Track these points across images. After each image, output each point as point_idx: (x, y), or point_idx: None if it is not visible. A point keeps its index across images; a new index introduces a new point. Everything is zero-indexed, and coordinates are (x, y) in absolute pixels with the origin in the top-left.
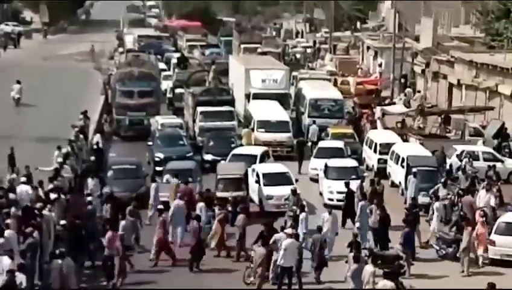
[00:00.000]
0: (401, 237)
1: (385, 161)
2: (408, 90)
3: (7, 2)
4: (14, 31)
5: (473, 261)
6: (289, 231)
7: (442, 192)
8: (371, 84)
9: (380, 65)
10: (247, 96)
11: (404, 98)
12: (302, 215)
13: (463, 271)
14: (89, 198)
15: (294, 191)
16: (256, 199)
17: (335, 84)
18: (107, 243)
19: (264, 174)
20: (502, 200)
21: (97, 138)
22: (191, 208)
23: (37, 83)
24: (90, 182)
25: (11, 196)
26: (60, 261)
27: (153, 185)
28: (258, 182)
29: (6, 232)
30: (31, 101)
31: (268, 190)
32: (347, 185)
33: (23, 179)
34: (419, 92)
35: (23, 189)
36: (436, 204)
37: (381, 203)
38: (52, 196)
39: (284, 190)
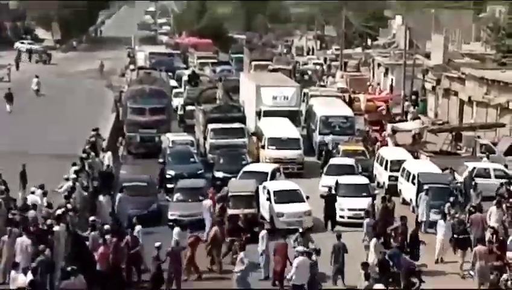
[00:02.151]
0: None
1: (396, 178)
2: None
3: (20, 20)
4: (32, 48)
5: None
6: (300, 248)
7: (450, 211)
8: (381, 101)
9: (391, 83)
10: (258, 114)
11: (414, 112)
12: (263, 233)
13: None
14: (91, 218)
15: (303, 233)
16: (267, 216)
17: (350, 101)
18: (99, 258)
19: (275, 192)
20: None
21: (108, 156)
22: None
23: (49, 101)
24: (102, 199)
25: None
26: (72, 278)
27: (119, 195)
28: (269, 199)
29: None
30: (42, 119)
31: (279, 208)
32: (329, 189)
33: (33, 189)
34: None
35: (32, 199)
36: (441, 222)
37: (392, 220)
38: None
39: (295, 207)
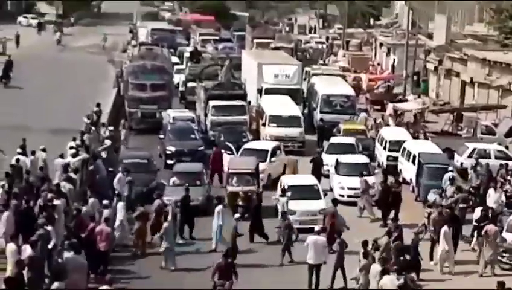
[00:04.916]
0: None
1: (394, 158)
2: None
3: None
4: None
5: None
6: (317, 228)
7: (449, 190)
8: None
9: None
10: (260, 91)
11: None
12: (219, 208)
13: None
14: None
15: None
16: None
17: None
18: (104, 238)
19: (289, 187)
20: None
21: (109, 131)
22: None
23: (51, 75)
24: (122, 177)
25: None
26: (73, 253)
27: (119, 175)
28: (283, 194)
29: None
30: (43, 92)
31: (292, 204)
32: (318, 153)
33: (19, 150)
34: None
35: (21, 159)
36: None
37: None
38: (62, 184)
39: (310, 205)
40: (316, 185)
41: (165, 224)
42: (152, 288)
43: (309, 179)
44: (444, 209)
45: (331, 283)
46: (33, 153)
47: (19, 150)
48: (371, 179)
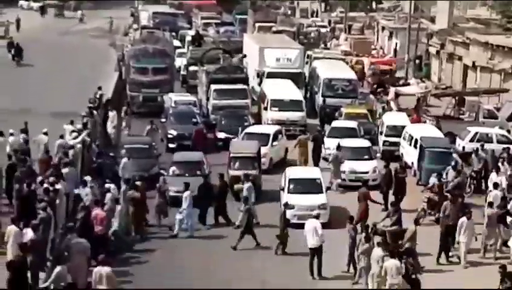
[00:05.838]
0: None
1: (391, 143)
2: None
3: None
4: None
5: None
6: (314, 213)
7: (450, 175)
8: (385, 65)
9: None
10: (261, 75)
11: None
12: (186, 193)
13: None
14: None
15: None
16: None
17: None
18: (98, 222)
19: (290, 180)
20: None
21: (111, 115)
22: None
23: (53, 59)
24: (127, 163)
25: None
26: (76, 237)
27: (124, 160)
28: (283, 188)
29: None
30: (45, 77)
31: (290, 198)
32: (319, 131)
33: (11, 130)
34: None
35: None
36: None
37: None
38: (64, 170)
39: (309, 199)
40: (319, 178)
41: (118, 207)
42: (151, 273)
43: (312, 172)
44: (457, 197)
45: (354, 269)
46: (25, 131)
47: (11, 131)
48: (373, 164)
